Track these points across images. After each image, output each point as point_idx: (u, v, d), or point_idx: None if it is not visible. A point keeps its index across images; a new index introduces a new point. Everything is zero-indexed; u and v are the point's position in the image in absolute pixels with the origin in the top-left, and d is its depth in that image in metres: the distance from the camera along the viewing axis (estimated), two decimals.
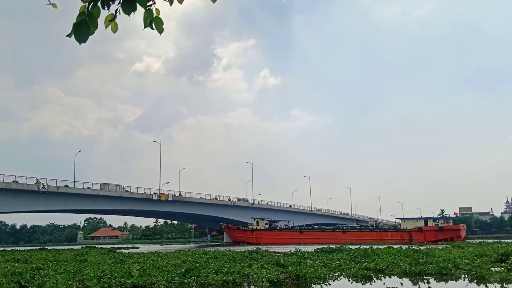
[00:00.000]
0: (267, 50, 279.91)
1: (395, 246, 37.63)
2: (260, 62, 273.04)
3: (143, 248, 65.73)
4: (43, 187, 68.59)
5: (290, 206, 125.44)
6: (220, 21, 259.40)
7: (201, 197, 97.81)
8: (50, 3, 3.90)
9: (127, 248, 62.72)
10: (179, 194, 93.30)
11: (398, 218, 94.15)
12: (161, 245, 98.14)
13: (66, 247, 71.54)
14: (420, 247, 36.01)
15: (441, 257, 22.42)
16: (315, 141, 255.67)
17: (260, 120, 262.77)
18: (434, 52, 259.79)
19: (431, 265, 19.26)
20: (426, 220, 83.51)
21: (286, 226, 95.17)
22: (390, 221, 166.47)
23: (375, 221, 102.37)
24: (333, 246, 34.90)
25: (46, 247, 75.16)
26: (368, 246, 37.87)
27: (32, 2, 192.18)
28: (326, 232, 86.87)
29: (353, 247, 37.20)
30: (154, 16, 3.82)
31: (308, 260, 22.85)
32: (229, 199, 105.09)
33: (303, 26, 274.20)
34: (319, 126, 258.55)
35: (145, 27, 3.84)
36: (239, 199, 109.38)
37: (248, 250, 33.19)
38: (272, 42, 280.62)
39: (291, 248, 37.99)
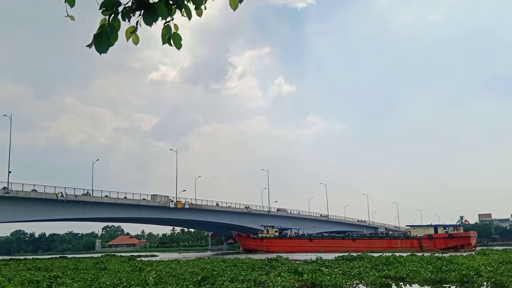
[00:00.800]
0: (281, 57, 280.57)
1: (418, 254, 37.07)
2: (275, 69, 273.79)
3: (162, 256, 66.06)
4: (62, 195, 69.36)
5: (306, 213, 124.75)
6: (235, 29, 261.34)
7: (217, 205, 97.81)
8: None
9: (146, 256, 62.95)
10: (195, 202, 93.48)
11: (408, 226, 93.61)
12: (179, 253, 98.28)
13: (86, 255, 71.99)
14: (443, 255, 35.40)
15: (464, 264, 21.95)
16: (331, 147, 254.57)
17: (275, 127, 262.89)
18: (449, 57, 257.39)
19: (452, 273, 18.88)
20: (436, 227, 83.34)
21: (296, 234, 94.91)
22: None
23: (385, 228, 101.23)
24: (354, 254, 34.51)
25: (67, 256, 75.84)
26: (390, 254, 37.30)
27: (50, 14, 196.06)
28: (335, 240, 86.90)
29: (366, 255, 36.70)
30: (172, 32, 3.87)
31: (325, 268, 22.56)
32: (245, 207, 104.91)
33: (318, 33, 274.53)
34: (334, 133, 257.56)
35: (163, 44, 3.87)
36: (254, 207, 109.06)
37: (267, 258, 32.95)
38: (287, 49, 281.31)
39: (311, 256, 37.63)
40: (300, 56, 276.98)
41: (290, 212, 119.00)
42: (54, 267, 33.19)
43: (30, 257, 75.20)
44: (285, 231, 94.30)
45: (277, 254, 41.80)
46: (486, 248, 64.35)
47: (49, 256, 73.55)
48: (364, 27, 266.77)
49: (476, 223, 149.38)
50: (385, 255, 33.91)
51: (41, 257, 73.00)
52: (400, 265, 23.31)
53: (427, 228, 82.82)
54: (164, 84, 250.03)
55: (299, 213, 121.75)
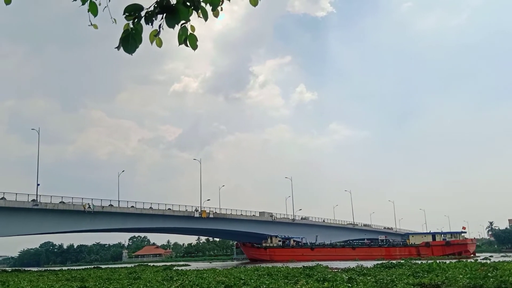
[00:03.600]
0: (303, 66, 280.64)
1: (452, 261, 36.05)
2: (296, 77, 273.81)
3: (194, 265, 66.50)
4: (89, 207, 70.32)
5: (331, 221, 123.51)
6: (256, 39, 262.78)
7: (241, 214, 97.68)
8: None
9: (178, 265, 63.36)
10: (220, 211, 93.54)
11: (408, 234, 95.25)
12: (210, 262, 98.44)
13: (121, 266, 72.61)
14: (486, 261, 34.46)
15: (508, 270, 21.08)
16: (355, 154, 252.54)
17: (297, 135, 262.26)
18: (473, 61, 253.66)
19: (490, 279, 18.18)
20: (434, 235, 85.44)
21: (300, 243, 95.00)
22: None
23: (385, 236, 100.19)
24: (394, 261, 34.08)
25: (101, 266, 76.76)
26: (432, 261, 36.34)
27: (76, 30, 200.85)
28: (336, 248, 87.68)
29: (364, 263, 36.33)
30: (188, 34, 3.95)
31: (360, 276, 22.05)
32: (270, 215, 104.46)
33: (339, 41, 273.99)
34: (357, 140, 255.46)
35: (179, 44, 3.97)
36: (279, 215, 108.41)
37: (304, 266, 32.70)
38: (308, 57, 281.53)
39: (352, 264, 37.15)
40: (321, 64, 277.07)
41: (315, 220, 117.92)
42: (88, 277, 33.57)
43: (58, 268, 76.34)
44: (288, 241, 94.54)
45: (317, 262, 41.40)
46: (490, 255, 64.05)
47: (83, 267, 74.47)
48: (385, 34, 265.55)
49: (506, 228, 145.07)
50: (428, 262, 33.02)
51: (74, 267, 74.11)
52: (441, 272, 22.57)
53: (425, 236, 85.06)
54: (186, 95, 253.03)
55: (324, 221, 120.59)
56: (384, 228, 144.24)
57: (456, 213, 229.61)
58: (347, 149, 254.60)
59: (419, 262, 35.30)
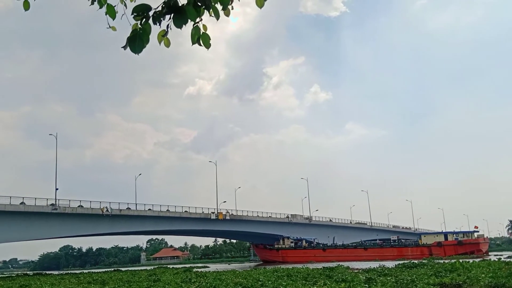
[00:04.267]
0: (317, 66, 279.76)
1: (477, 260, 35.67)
2: (310, 78, 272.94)
3: (213, 267, 66.77)
4: (107, 210, 70.97)
5: (348, 221, 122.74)
6: (269, 40, 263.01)
7: (257, 215, 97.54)
8: (109, 26, 4.21)
9: (197, 267, 63.64)
10: (236, 212, 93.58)
11: (420, 233, 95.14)
12: (228, 264, 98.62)
13: (140, 268, 73.10)
14: (511, 259, 33.94)
15: None
16: (371, 154, 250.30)
17: (313, 136, 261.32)
18: (488, 58, 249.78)
19: None
20: (446, 234, 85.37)
21: (312, 244, 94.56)
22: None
23: (397, 236, 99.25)
24: (416, 261, 33.78)
25: (121, 269, 77.43)
26: (454, 260, 35.89)
27: (91, 35, 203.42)
28: (348, 249, 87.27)
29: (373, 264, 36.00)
30: (201, 33, 3.98)
31: (381, 277, 21.79)
32: (286, 216, 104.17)
33: (352, 40, 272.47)
34: (374, 139, 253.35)
35: (193, 44, 4.00)
36: (295, 216, 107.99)
37: (324, 267, 32.52)
38: (322, 58, 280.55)
39: (374, 264, 36.87)
40: (336, 63, 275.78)
41: (332, 220, 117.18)
42: (109, 280, 33.88)
43: (79, 271, 77.16)
44: (300, 242, 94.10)
45: (338, 263, 41.15)
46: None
47: (103, 270, 75.20)
48: (399, 32, 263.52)
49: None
50: (451, 261, 32.61)
51: (95, 270, 74.91)
52: (464, 271, 22.20)
53: (437, 236, 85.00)
54: (200, 97, 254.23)
55: (340, 221, 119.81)
56: (402, 228, 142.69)
57: (475, 211, 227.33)
58: (363, 149, 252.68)
59: (442, 261, 34.84)
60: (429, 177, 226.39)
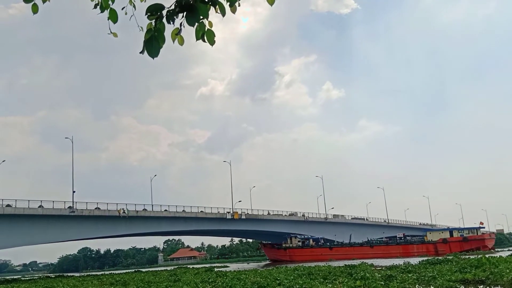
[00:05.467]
0: (329, 63, 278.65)
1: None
2: (323, 75, 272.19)
3: (233, 266, 67.01)
4: (124, 212, 71.50)
5: (365, 218, 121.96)
6: (280, 39, 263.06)
7: (273, 214, 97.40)
8: (111, 32, 4.32)
9: (218, 267, 63.95)
10: (252, 212, 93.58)
11: (426, 230, 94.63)
12: (248, 263, 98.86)
13: (161, 269, 73.63)
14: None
15: None
16: (386, 150, 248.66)
17: (326, 133, 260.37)
18: (503, 50, 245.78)
19: None
20: (451, 231, 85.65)
21: (319, 243, 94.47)
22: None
23: (403, 233, 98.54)
24: (440, 257, 33.46)
25: (141, 270, 78.03)
26: (480, 255, 35.46)
27: (104, 40, 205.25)
28: (354, 247, 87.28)
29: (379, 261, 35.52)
30: (206, 29, 4.01)
31: (406, 274, 21.52)
32: (302, 215, 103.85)
33: (364, 37, 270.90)
34: (388, 135, 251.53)
35: (197, 40, 4.04)
36: (311, 214, 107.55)
37: (346, 264, 32.39)
38: (334, 55, 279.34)
39: (398, 261, 36.57)
40: (348, 60, 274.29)
41: (348, 218, 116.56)
42: (131, 281, 34.21)
43: (100, 273, 77.90)
44: (307, 241, 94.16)
45: (362, 261, 40.96)
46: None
47: (123, 271, 75.93)
48: (411, 27, 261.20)
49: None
50: (476, 257, 32.18)
51: (116, 272, 75.60)
52: (490, 267, 21.76)
53: (442, 232, 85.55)
54: (213, 98, 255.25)
55: (356, 218, 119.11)
56: (420, 224, 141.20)
57: (495, 206, 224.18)
58: (378, 145, 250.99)
59: (468, 257, 34.44)
60: (446, 172, 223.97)
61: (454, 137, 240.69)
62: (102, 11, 4.26)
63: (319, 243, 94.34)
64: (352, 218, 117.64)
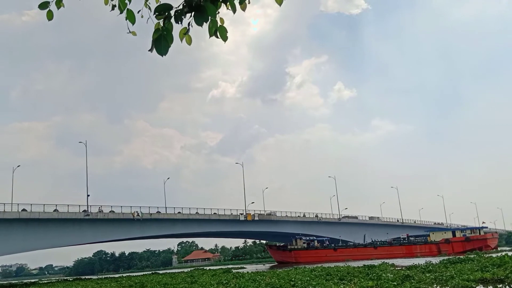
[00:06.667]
0: (340, 63, 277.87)
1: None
2: (334, 76, 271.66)
3: (250, 267, 67.16)
4: (138, 215, 71.86)
5: (378, 218, 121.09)
6: (291, 40, 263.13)
7: (286, 215, 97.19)
8: (129, 31, 4.35)
9: (235, 268, 64.08)
10: (265, 213, 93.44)
11: (428, 230, 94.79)
12: (264, 265, 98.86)
13: (178, 271, 74.00)
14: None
15: None
16: (400, 150, 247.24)
17: (339, 134, 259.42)
18: None
19: None
20: (454, 231, 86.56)
21: (324, 244, 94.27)
22: (490, 229, 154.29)
23: (407, 234, 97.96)
24: (461, 257, 33.10)
25: (158, 271, 78.37)
26: (503, 253, 34.96)
27: (117, 45, 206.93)
28: (358, 248, 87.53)
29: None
30: (218, 26, 4.05)
31: (426, 274, 21.26)
32: (315, 216, 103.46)
33: (376, 36, 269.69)
34: (401, 135, 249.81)
35: (210, 36, 4.06)
36: (324, 215, 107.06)
37: (365, 265, 32.22)
38: (345, 55, 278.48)
39: (419, 261, 36.28)
40: (359, 60, 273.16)
41: (361, 218, 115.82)
42: (149, 282, 34.44)
43: (118, 275, 78.32)
44: (312, 242, 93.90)
45: (383, 261, 40.75)
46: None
47: (140, 273, 76.47)
48: (423, 25, 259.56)
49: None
50: (498, 255, 31.68)
51: (133, 274, 76.01)
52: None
53: (445, 233, 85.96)
54: (224, 100, 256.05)
55: (370, 218, 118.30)
56: (434, 223, 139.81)
57: (511, 204, 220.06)
58: (391, 145, 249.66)
59: (490, 256, 34.02)
60: (460, 170, 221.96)
61: (468, 135, 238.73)
62: (121, 12, 4.30)
63: (324, 245, 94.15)
64: (367, 218, 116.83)
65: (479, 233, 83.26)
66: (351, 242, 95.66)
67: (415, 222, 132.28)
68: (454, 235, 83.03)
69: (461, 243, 78.73)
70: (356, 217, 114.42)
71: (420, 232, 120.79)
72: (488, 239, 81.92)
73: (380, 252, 79.67)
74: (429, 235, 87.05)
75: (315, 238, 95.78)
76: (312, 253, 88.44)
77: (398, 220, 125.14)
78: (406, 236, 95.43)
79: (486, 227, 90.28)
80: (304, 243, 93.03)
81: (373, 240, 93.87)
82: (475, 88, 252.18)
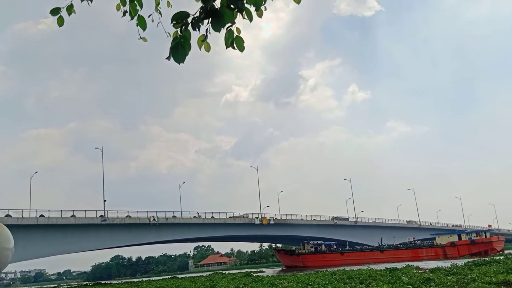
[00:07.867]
0: (354, 65, 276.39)
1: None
2: (348, 78, 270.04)
3: (269, 271, 67.15)
4: (154, 219, 72.33)
5: (395, 221, 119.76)
6: (304, 43, 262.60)
7: (301, 219, 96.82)
8: (140, 37, 4.36)
9: (254, 272, 63.93)
10: (280, 216, 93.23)
11: (434, 234, 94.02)
12: (282, 269, 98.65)
13: (197, 275, 74.21)
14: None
15: None
16: (416, 151, 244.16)
17: (354, 136, 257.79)
18: None
19: None
20: (459, 234, 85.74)
21: (332, 248, 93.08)
22: (509, 230, 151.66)
23: (413, 237, 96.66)
24: (487, 258, 32.67)
25: (177, 276, 78.69)
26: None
27: (130, 49, 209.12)
28: (365, 252, 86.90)
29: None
30: (235, 36, 3.97)
31: (450, 276, 20.95)
32: (331, 219, 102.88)
33: (389, 38, 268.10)
34: (417, 136, 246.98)
35: (227, 47, 3.99)
36: (339, 218, 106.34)
37: (387, 268, 31.96)
38: (359, 57, 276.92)
39: (444, 263, 35.86)
40: (373, 62, 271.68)
41: (378, 221, 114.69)
42: (168, 287, 34.59)
43: (138, 279, 78.67)
44: (320, 246, 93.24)
45: (407, 263, 40.41)
46: None
47: (160, 277, 76.92)
48: (436, 26, 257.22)
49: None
50: None
51: (152, 278, 76.40)
52: None
53: (451, 236, 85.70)
54: (238, 104, 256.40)
55: (387, 221, 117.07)
56: (452, 225, 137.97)
57: None
58: (406, 146, 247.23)
59: None
60: (477, 171, 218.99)
61: (484, 135, 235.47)
62: (132, 18, 4.31)
63: (332, 249, 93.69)
64: (382, 221, 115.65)
65: (485, 236, 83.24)
66: (369, 245, 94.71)
67: (431, 224, 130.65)
68: (459, 238, 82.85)
69: (466, 246, 78.77)
70: (373, 220, 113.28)
71: (440, 234, 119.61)
72: (494, 242, 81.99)
73: (387, 255, 79.52)
74: (435, 239, 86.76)
75: (322, 242, 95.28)
76: (320, 257, 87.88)
77: (415, 222, 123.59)
78: (412, 240, 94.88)
79: (493, 230, 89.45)
80: (311, 247, 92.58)
81: (379, 244, 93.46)
82: (489, 87, 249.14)
